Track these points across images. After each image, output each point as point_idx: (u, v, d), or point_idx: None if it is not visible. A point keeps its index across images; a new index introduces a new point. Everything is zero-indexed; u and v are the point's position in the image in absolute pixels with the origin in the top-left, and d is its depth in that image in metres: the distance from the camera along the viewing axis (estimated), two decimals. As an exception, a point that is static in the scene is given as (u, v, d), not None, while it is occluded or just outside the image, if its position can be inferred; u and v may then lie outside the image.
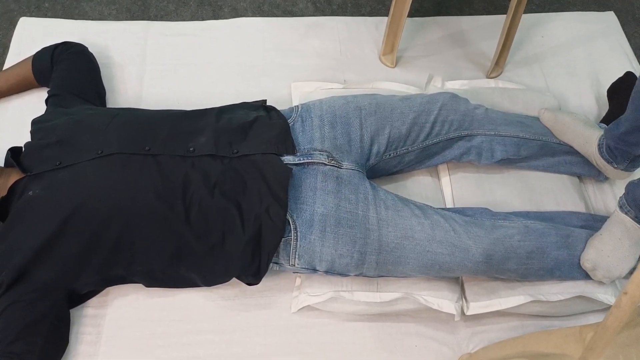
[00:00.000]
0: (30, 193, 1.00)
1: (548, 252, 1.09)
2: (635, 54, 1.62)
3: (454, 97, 1.21)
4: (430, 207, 1.11)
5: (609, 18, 1.69)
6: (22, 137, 1.15)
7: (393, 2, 1.40)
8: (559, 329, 0.89)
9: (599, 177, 1.31)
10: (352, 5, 1.83)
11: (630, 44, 1.64)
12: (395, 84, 1.42)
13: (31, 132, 1.13)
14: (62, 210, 0.97)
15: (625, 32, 1.66)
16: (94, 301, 1.11)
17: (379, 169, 1.20)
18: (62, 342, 1.04)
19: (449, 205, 1.25)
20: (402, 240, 1.03)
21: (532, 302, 1.11)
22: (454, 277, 1.13)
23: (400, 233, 1.03)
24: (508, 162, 1.26)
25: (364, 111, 1.15)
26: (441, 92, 1.23)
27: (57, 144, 1.05)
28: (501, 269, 1.07)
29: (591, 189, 1.34)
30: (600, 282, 1.13)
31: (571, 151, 1.26)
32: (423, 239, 1.03)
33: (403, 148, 1.17)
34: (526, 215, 1.19)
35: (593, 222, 1.20)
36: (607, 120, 1.32)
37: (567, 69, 1.56)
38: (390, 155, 1.17)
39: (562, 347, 0.84)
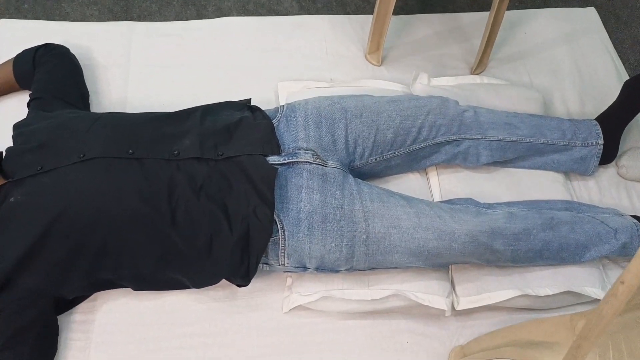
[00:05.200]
0: (12, 199, 0.98)
1: (534, 233, 1.10)
2: (616, 49, 1.65)
3: (443, 101, 1.21)
4: (415, 197, 1.12)
5: (590, 14, 1.71)
6: (3, 142, 1.13)
7: (378, 0, 1.40)
8: (549, 317, 0.90)
9: (586, 173, 1.33)
10: (337, 4, 1.83)
11: (611, 39, 1.67)
12: (381, 82, 1.42)
13: (13, 136, 1.11)
14: (45, 216, 0.96)
15: (606, 28, 1.68)
16: (82, 307, 1.10)
17: (366, 173, 1.20)
18: (51, 350, 1.03)
19: (437, 200, 1.26)
20: (389, 230, 1.04)
21: (521, 296, 1.12)
22: (445, 266, 1.13)
23: (387, 223, 1.04)
24: (494, 164, 1.27)
25: (350, 113, 1.15)
26: (431, 96, 1.24)
27: (38, 148, 1.04)
28: (489, 249, 1.07)
29: (577, 184, 1.36)
30: (588, 276, 1.16)
31: (558, 150, 1.28)
32: (409, 227, 1.04)
33: (389, 152, 1.17)
34: (510, 204, 1.21)
35: (577, 205, 1.23)
36: (612, 110, 1.32)
37: (550, 64, 1.58)
38: (376, 159, 1.17)
39: (553, 335, 0.85)
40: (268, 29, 1.56)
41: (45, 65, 1.26)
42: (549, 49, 1.61)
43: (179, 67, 1.45)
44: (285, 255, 1.04)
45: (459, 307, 1.13)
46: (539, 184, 1.29)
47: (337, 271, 1.08)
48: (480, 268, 1.16)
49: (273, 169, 1.03)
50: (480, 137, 1.22)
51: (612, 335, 0.75)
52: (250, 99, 1.22)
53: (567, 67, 1.57)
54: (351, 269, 1.08)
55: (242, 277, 1.03)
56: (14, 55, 1.29)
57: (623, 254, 1.18)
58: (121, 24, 1.53)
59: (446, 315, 1.12)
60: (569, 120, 1.32)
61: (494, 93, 1.38)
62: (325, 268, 1.06)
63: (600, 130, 1.29)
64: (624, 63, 1.64)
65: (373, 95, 1.23)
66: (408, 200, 1.10)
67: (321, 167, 1.08)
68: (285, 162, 1.07)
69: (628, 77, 1.56)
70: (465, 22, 1.66)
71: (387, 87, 1.40)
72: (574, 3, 1.89)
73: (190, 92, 1.40)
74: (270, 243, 1.02)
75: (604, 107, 1.37)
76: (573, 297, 1.16)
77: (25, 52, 1.28)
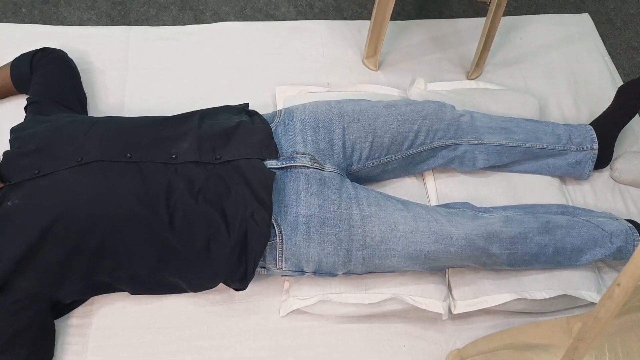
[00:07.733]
0: (9, 203, 0.98)
1: (530, 237, 1.11)
2: (610, 54, 1.67)
3: (440, 106, 1.22)
4: (412, 201, 1.13)
5: (584, 20, 1.73)
6: (0, 145, 1.12)
7: (375, 6, 1.41)
8: (546, 320, 0.90)
9: (581, 177, 1.34)
10: (334, 9, 1.84)
11: (605, 45, 1.68)
12: (378, 86, 1.43)
13: (10, 140, 1.11)
14: (43, 219, 0.96)
15: (600, 34, 1.70)
16: (79, 311, 1.09)
17: (363, 177, 1.20)
18: (48, 353, 1.03)
19: (434, 204, 1.27)
20: (387, 234, 1.04)
21: (517, 299, 1.13)
22: (442, 269, 1.14)
23: (384, 227, 1.05)
24: (490, 168, 1.28)
25: (347, 117, 1.15)
26: (427, 101, 1.25)
27: (35, 152, 1.03)
28: (486, 253, 1.08)
29: (572, 188, 1.37)
30: (583, 280, 1.17)
31: (554, 154, 1.29)
32: (407, 231, 1.05)
33: (386, 157, 1.18)
34: (506, 207, 1.21)
35: (573, 209, 1.23)
36: (606, 115, 1.33)
37: (545, 70, 1.59)
38: (373, 163, 1.18)
39: (550, 337, 0.85)
40: (265, 33, 1.57)
41: (42, 69, 1.26)
42: (544, 55, 1.63)
43: (177, 72, 1.46)
44: (283, 259, 1.04)
45: (455, 311, 1.13)
46: (534, 188, 1.30)
47: (334, 275, 1.08)
48: (476, 272, 1.16)
49: (271, 173, 1.04)
50: (476, 142, 1.23)
51: (608, 337, 0.75)
52: (247, 103, 1.22)
53: (562, 72, 1.59)
54: (348, 273, 1.08)
55: (239, 281, 1.03)
56: (12, 59, 1.29)
57: (618, 257, 1.19)
58: (119, 29, 1.53)
59: (443, 318, 1.13)
60: (564, 125, 1.33)
61: (490, 98, 1.39)
62: (322, 272, 1.07)
63: (595, 135, 1.30)
64: (617, 68, 1.66)
65: (370, 99, 1.24)
66: (405, 204, 1.10)
67: (319, 171, 1.09)
68: (283, 166, 1.08)
69: (622, 82, 1.58)
70: (462, 27, 1.67)
71: (384, 92, 1.41)
72: (569, 9, 1.91)
73: (188, 96, 1.41)
74: (268, 247, 1.02)
75: (598, 112, 1.38)
76: (569, 301, 1.17)
77: (23, 56, 1.28)
